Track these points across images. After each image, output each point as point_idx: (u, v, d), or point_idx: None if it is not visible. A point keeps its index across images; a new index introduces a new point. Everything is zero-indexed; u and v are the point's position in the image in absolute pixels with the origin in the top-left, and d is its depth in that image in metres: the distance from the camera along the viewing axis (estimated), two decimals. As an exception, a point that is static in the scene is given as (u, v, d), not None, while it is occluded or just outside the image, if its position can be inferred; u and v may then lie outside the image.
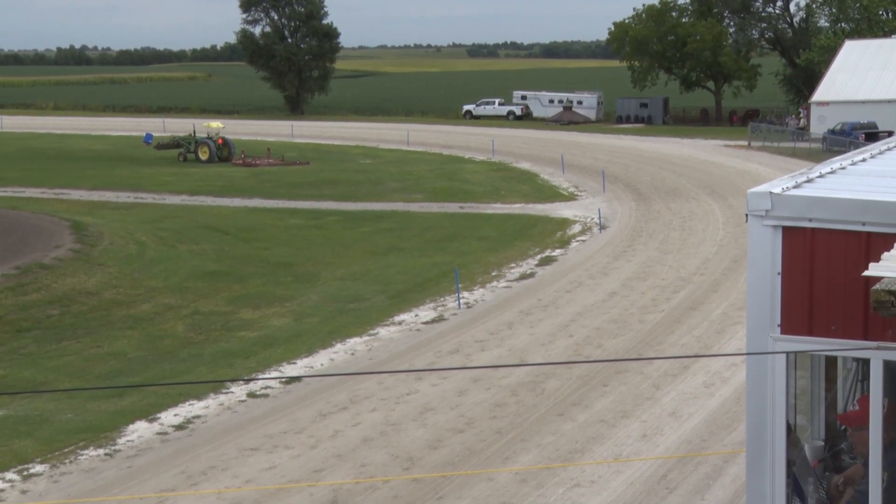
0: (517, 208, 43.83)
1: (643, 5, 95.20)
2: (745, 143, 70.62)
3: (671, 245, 34.45)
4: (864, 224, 7.34)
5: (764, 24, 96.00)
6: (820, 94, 73.15)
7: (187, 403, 19.14)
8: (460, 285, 27.72)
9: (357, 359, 22.09)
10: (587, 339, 23.17)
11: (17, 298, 25.68)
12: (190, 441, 17.34)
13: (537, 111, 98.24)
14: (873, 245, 7.27)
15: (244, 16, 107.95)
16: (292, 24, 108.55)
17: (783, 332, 7.60)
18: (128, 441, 17.35)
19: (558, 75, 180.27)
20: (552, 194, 48.09)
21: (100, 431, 17.70)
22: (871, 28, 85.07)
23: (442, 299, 27.23)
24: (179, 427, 17.99)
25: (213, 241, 35.27)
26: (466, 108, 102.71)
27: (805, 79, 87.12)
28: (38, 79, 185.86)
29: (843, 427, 8.95)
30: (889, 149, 10.64)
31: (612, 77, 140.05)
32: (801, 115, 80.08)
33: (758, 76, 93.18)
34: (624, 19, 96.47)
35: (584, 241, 35.86)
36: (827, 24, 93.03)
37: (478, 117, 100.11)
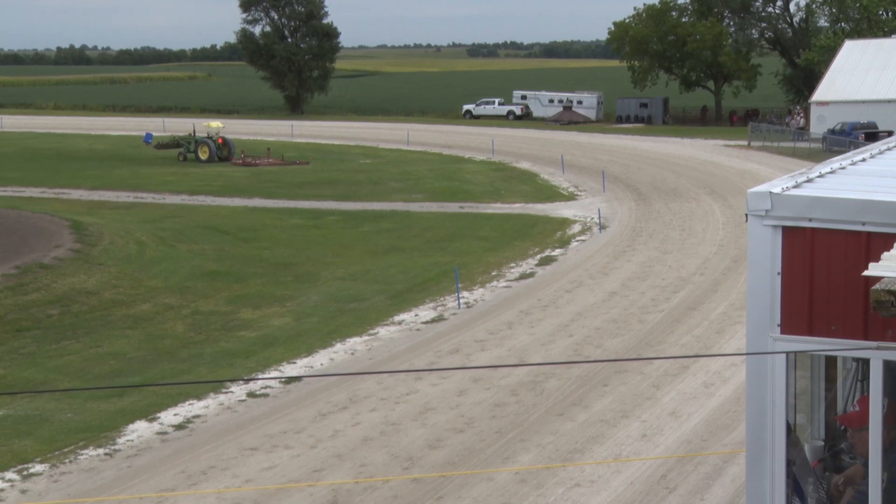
0: (517, 208, 43.84)
1: (643, 5, 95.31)
2: (745, 143, 70.65)
3: (671, 245, 34.45)
4: (864, 224, 7.34)
5: (764, 24, 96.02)
6: (820, 94, 73.15)
7: (187, 403, 19.13)
8: (460, 285, 27.72)
9: (357, 359, 22.09)
10: (587, 338, 23.17)
11: (17, 298, 25.68)
12: (190, 441, 17.34)
13: (537, 111, 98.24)
14: (873, 245, 7.27)
15: (244, 16, 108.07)
16: (292, 23, 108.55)
17: (783, 332, 7.60)
18: (128, 441, 17.35)
19: (558, 75, 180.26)
20: (552, 194, 48.09)
21: (100, 431, 17.70)
22: (871, 28, 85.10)
23: (442, 299, 27.23)
24: (179, 427, 17.98)
25: (213, 241, 35.28)
26: (466, 107, 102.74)
27: (805, 79, 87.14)
28: (38, 79, 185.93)
29: (843, 427, 8.95)
30: (889, 149, 10.63)
31: (612, 77, 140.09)
32: (798, 111, 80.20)
33: (758, 76, 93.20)
34: (624, 19, 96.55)
35: (584, 240, 35.85)
36: (827, 24, 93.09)
37: (478, 117, 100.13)
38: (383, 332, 24.26)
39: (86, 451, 16.86)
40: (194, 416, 18.50)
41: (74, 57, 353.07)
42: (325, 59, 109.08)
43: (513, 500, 14.69)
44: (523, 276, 30.13)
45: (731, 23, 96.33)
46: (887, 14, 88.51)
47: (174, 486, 15.37)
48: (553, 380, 20.00)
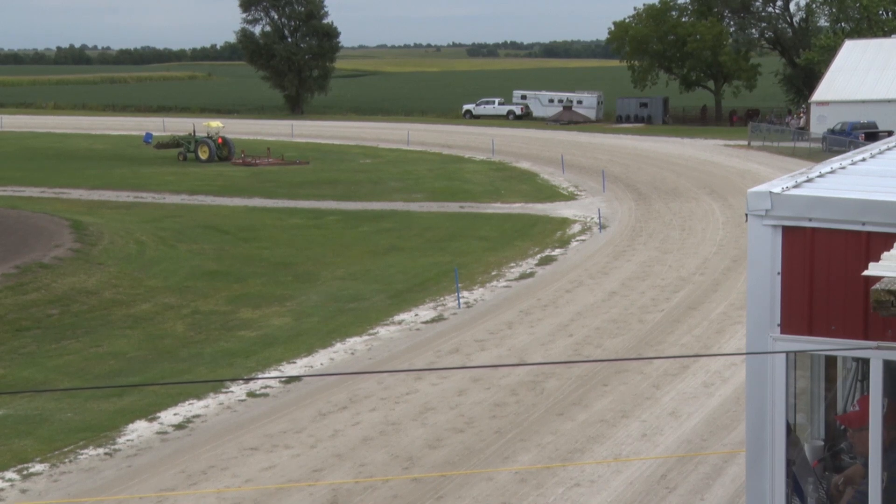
0: (517, 208, 43.83)
1: (643, 5, 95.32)
2: (745, 143, 70.66)
3: (671, 245, 34.45)
4: (864, 224, 7.34)
5: (764, 24, 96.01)
6: (820, 94, 73.15)
7: (187, 403, 19.14)
8: (460, 285, 27.72)
9: (357, 358, 22.09)
10: (587, 338, 23.17)
11: (17, 298, 25.68)
12: (190, 440, 17.34)
13: (537, 111, 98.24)
14: (873, 245, 7.27)
15: (244, 15, 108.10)
16: (292, 23, 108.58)
17: (783, 331, 7.60)
18: (127, 440, 17.35)
19: (558, 75, 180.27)
20: (552, 194, 48.09)
21: (99, 431, 17.70)
22: (871, 28, 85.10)
23: (442, 299, 27.23)
24: (179, 426, 17.98)
25: (213, 241, 35.28)
26: (466, 107, 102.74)
27: (805, 79, 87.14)
28: (37, 78, 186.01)
29: (843, 427, 8.95)
30: (889, 149, 10.63)
31: (612, 77, 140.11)
32: (801, 111, 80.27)
33: (758, 76, 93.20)
34: (624, 19, 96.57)
35: (583, 240, 35.85)
36: (827, 24, 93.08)
37: (478, 117, 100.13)
38: (383, 331, 24.26)
39: (86, 451, 16.86)
40: (194, 416, 18.50)
41: (74, 57, 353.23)
42: (325, 58, 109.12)
43: (513, 500, 14.69)
44: (523, 276, 30.13)
45: (731, 23, 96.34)
46: (887, 14, 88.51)
47: (174, 486, 15.38)
48: (553, 379, 20.00)
